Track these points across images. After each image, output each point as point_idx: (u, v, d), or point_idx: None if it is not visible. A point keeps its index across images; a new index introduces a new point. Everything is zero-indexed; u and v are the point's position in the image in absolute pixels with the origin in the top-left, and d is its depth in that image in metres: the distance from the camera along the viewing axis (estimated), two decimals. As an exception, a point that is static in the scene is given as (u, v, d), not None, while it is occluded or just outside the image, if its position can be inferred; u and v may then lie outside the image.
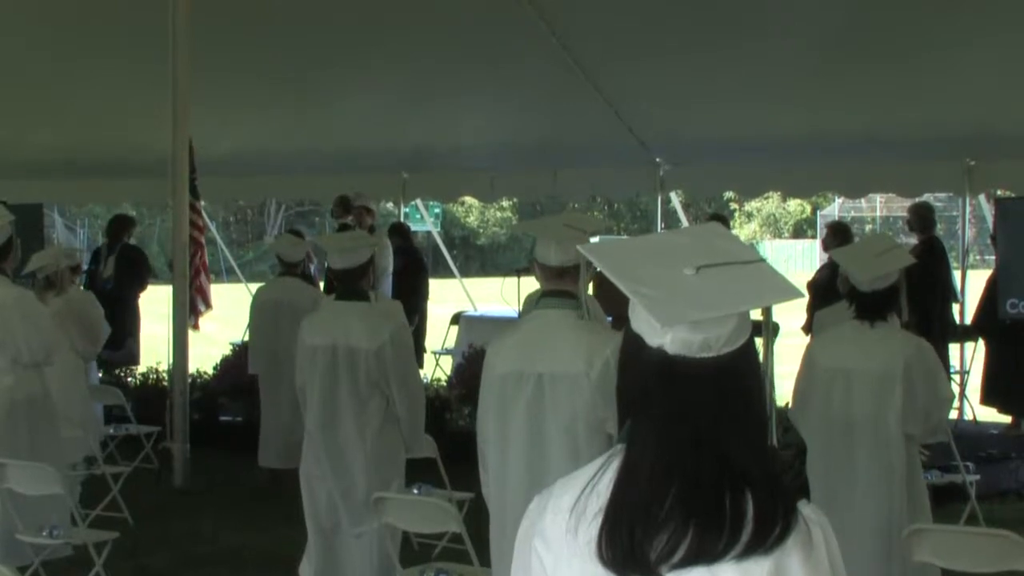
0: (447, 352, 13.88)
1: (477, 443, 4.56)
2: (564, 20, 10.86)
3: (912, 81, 10.57)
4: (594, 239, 5.21)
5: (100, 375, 10.96)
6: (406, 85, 12.34)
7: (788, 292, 2.09)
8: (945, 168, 11.98)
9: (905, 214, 13.52)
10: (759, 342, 2.14)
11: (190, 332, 10.25)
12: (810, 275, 12.30)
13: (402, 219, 15.54)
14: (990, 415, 11.69)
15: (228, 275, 25.05)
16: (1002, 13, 9.52)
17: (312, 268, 12.82)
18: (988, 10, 9.57)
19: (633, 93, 11.78)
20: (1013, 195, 12.36)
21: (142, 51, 10.95)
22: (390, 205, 17.42)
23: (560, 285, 4.45)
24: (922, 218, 11.64)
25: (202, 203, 11.42)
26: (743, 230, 45.27)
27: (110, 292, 12.48)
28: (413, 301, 12.53)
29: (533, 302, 4.79)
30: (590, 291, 5.13)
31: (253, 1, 10.88)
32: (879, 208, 40.73)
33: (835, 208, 38.11)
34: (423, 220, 19.19)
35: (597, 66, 11.43)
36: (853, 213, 38.85)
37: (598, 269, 2.16)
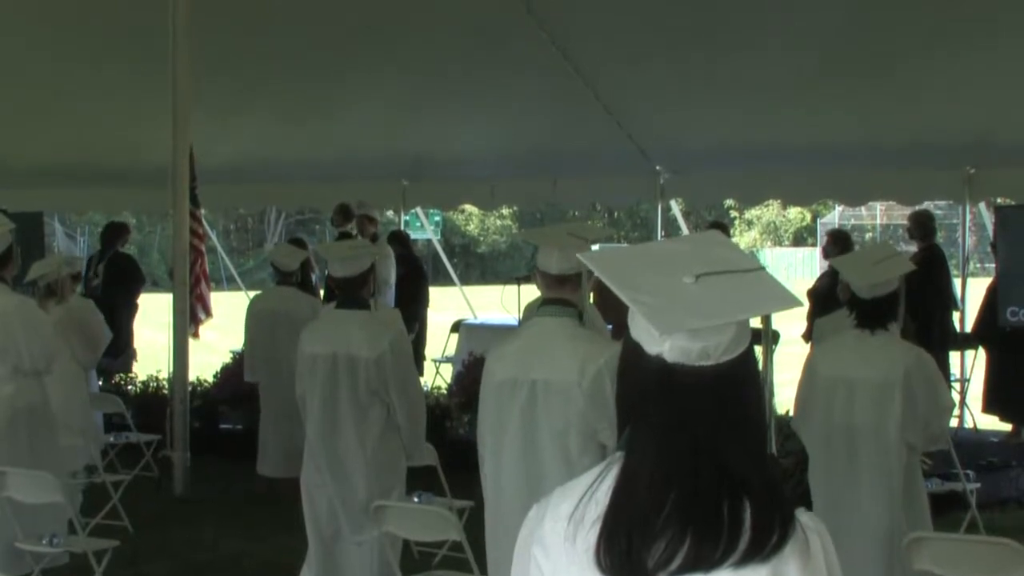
0: (447, 360, 13.87)
1: (477, 449, 4.58)
2: (564, 28, 10.88)
3: (912, 89, 10.58)
4: (594, 247, 5.21)
5: (100, 383, 10.95)
6: (406, 93, 12.35)
7: (787, 300, 2.09)
8: (945, 176, 11.98)
9: (905, 222, 13.51)
10: (759, 350, 2.14)
11: (190, 340, 10.24)
12: (810, 283, 12.31)
13: (402, 227, 15.53)
14: (991, 423, 11.67)
15: (228, 283, 25.03)
16: (1002, 21, 9.53)
17: (313, 277, 12.80)
18: (988, 18, 9.58)
19: (633, 101, 11.80)
20: (1013, 203, 12.36)
21: (142, 59, 10.97)
22: (390, 213, 17.41)
23: (560, 293, 4.45)
24: (922, 226, 11.64)
25: (202, 211, 11.42)
26: (743, 238, 45.26)
27: (99, 299, 12.45)
28: (413, 309, 12.52)
29: (533, 310, 4.80)
30: (591, 299, 5.14)
31: (253, 9, 10.89)
32: (879, 216, 40.72)
33: (835, 216, 38.08)
34: (423, 228, 19.18)
35: (597, 74, 11.44)
36: (853, 221, 38.83)
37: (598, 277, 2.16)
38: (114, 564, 6.72)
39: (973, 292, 12.52)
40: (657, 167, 13.24)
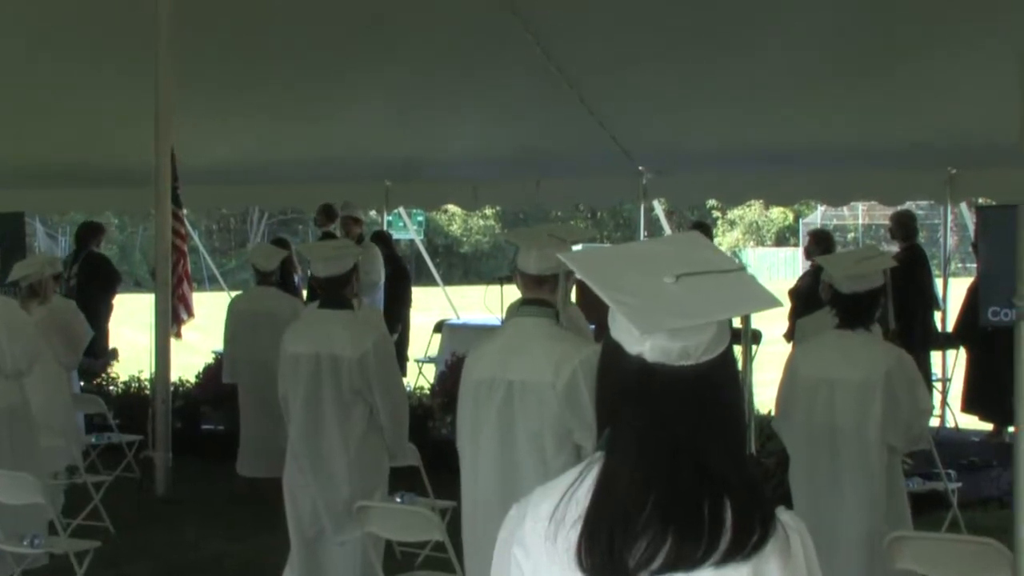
0: (430, 360, 13.85)
1: (457, 447, 4.58)
2: (548, 30, 10.87)
3: (894, 90, 10.60)
4: (576, 247, 5.22)
5: (81, 384, 10.91)
6: (390, 94, 12.33)
7: (767, 301, 2.10)
8: (927, 176, 12.03)
9: (887, 222, 13.56)
10: (738, 350, 2.15)
11: (172, 341, 10.23)
12: (792, 283, 12.32)
13: (385, 227, 15.51)
14: (972, 423, 11.71)
15: (211, 283, 24.95)
16: (983, 24, 9.56)
17: (296, 278, 12.77)
18: (970, 21, 9.61)
19: (616, 102, 11.80)
20: (994, 203, 12.40)
21: (125, 60, 10.94)
22: (373, 213, 17.39)
23: (539, 294, 4.47)
24: (904, 226, 11.69)
25: (184, 211, 11.40)
26: (726, 238, 45.31)
27: (74, 300, 12.37)
28: (396, 309, 12.50)
29: (515, 311, 4.81)
30: (573, 299, 5.14)
31: (236, 11, 10.86)
32: (861, 216, 40.81)
33: (817, 216, 38.16)
34: (406, 228, 19.16)
35: (581, 75, 11.44)
36: (835, 221, 38.92)
37: (579, 277, 2.17)
38: (95, 565, 6.70)
39: (954, 292, 12.56)
40: (640, 168, 13.25)
